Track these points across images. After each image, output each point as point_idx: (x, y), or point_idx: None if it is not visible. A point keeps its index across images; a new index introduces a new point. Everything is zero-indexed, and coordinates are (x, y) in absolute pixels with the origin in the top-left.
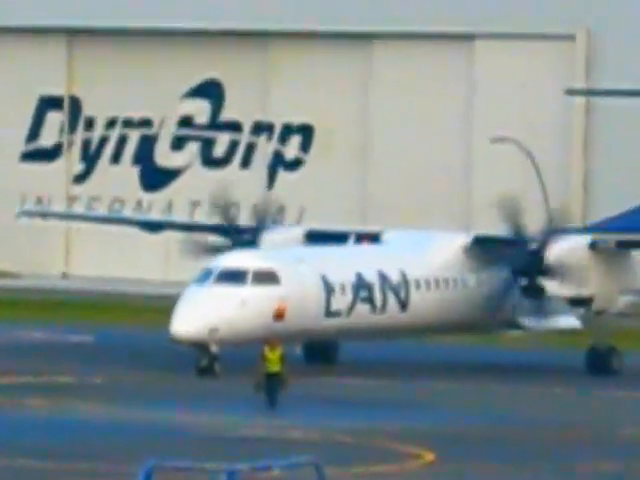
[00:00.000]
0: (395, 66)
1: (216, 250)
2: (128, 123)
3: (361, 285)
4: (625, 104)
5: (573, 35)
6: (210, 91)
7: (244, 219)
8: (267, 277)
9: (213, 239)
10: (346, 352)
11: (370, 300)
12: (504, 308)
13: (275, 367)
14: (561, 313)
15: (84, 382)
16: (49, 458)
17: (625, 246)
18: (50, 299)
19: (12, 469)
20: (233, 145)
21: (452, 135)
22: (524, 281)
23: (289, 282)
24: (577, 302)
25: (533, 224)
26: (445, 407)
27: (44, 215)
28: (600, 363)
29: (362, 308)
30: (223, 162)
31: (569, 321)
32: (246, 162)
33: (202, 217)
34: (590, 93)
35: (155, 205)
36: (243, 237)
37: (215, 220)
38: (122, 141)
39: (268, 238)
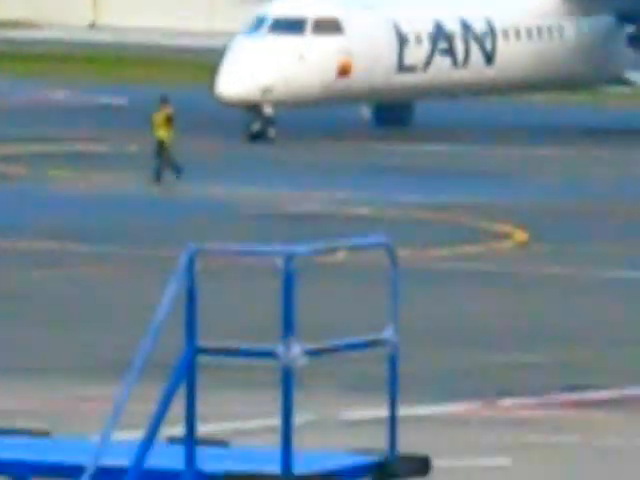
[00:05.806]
0: None
1: None
2: None
3: (440, 35)
4: None
5: None
6: None
7: None
8: (329, 26)
9: None
10: (422, 113)
11: (450, 52)
12: (608, 60)
13: (159, 131)
14: None
15: (116, 151)
16: (75, 239)
17: None
18: (75, 53)
19: (35, 252)
20: None
21: None
22: (631, 28)
23: (355, 32)
24: None
25: None
26: (538, 178)
27: None
28: None
29: (441, 61)
30: None
31: None
32: None
33: None
34: None
35: None
36: None
37: None
38: None
39: None
